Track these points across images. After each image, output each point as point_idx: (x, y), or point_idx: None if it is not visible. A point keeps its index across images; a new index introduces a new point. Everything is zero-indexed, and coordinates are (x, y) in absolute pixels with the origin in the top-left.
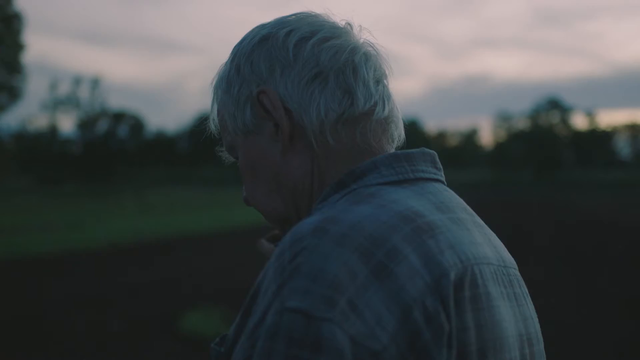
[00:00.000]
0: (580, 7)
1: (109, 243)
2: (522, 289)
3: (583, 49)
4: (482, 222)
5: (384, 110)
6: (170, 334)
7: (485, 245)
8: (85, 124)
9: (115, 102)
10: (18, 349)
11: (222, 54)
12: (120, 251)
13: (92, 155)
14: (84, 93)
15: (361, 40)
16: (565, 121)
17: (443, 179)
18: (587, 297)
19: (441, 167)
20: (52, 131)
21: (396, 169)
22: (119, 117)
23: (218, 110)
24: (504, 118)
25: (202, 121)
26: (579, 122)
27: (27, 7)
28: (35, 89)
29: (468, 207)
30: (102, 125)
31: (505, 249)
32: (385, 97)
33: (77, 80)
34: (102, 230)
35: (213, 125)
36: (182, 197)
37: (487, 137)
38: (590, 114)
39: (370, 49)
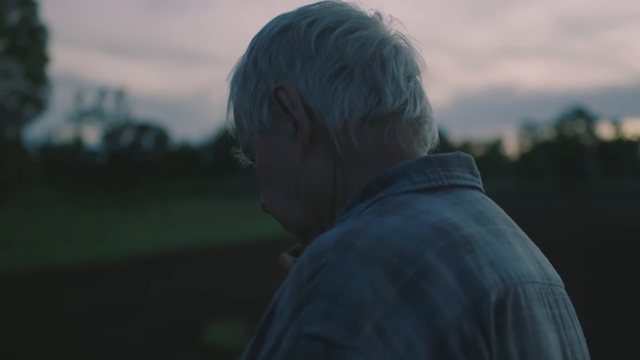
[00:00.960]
0: (605, 16)
1: (132, 254)
2: (569, 309)
3: (608, 58)
4: (524, 235)
5: (415, 109)
6: (192, 345)
7: (528, 260)
8: (110, 136)
9: (140, 114)
10: (40, 359)
11: None
12: (143, 262)
13: (116, 167)
14: (109, 105)
15: (391, 32)
16: (590, 130)
17: (481, 186)
18: (605, 304)
19: (478, 172)
20: (77, 143)
21: (428, 175)
22: (143, 128)
23: (234, 108)
24: (528, 128)
25: (225, 132)
26: (605, 131)
27: (52, 19)
28: (60, 101)
29: (509, 218)
30: (127, 137)
31: (550, 264)
32: (417, 94)
33: (102, 92)
34: (126, 242)
35: (229, 125)
36: (205, 208)
37: (512, 147)
38: (615, 123)
39: (402, 41)
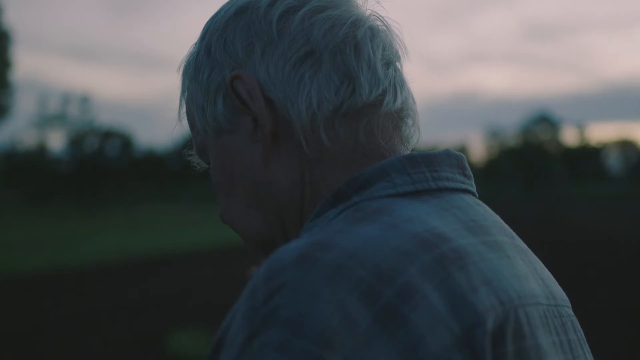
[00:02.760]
0: (570, 22)
1: (96, 261)
2: (579, 334)
3: (573, 64)
4: (525, 247)
5: (395, 100)
6: (156, 353)
7: (531, 277)
8: (75, 142)
9: (105, 119)
10: None
11: None
12: (107, 269)
13: (81, 173)
14: (73, 110)
15: (367, 12)
16: (555, 136)
17: (474, 189)
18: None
19: (471, 174)
20: (41, 149)
21: (412, 175)
22: (108, 134)
23: (185, 104)
24: (494, 133)
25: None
26: (569, 136)
27: (15, 23)
28: (24, 106)
29: (507, 227)
30: (92, 143)
31: (555, 281)
32: (397, 83)
33: (66, 98)
34: (90, 248)
35: (182, 123)
36: (171, 213)
37: (477, 152)
38: (580, 129)
39: (379, 23)
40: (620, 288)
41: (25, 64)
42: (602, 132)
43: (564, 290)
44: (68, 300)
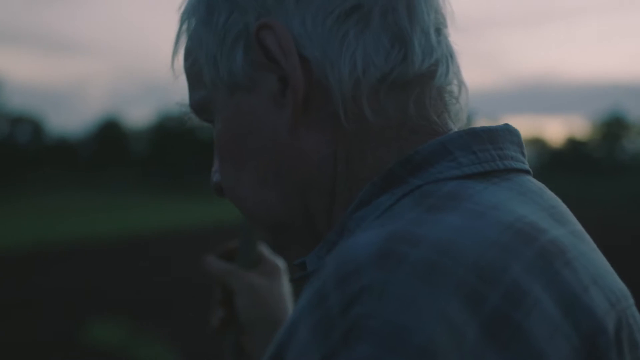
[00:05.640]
0: (482, 18)
1: (5, 250)
2: None
3: (483, 60)
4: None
5: (447, 73)
6: (72, 345)
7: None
8: None
9: (16, 103)
10: None
11: (127, 58)
12: (17, 258)
13: None
14: None
15: None
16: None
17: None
18: None
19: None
20: None
21: (478, 154)
22: (18, 119)
23: (187, 49)
24: None
25: (105, 124)
26: None
27: None
28: None
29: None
30: (1, 128)
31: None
32: (449, 54)
33: None
34: None
35: (174, 69)
36: (83, 202)
37: None
38: (492, 121)
39: None
40: None
41: None
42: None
43: None
44: None
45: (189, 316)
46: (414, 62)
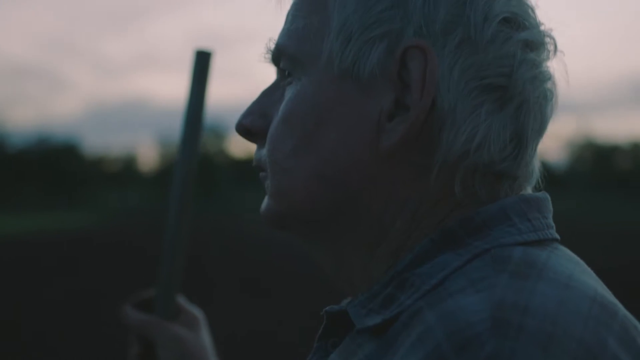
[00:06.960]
0: (241, 32)
1: None
2: None
3: (242, 73)
4: None
5: (533, 177)
6: None
7: None
8: None
9: None
10: None
11: None
12: None
13: None
14: None
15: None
16: (223, 146)
17: None
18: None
19: None
20: None
21: (533, 222)
22: None
23: (318, 9)
24: (164, 143)
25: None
26: (237, 147)
27: None
28: None
29: None
30: None
31: None
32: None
33: None
34: None
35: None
36: None
37: (149, 160)
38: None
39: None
40: None
41: None
42: None
43: None
44: None
45: None
46: (519, 166)
